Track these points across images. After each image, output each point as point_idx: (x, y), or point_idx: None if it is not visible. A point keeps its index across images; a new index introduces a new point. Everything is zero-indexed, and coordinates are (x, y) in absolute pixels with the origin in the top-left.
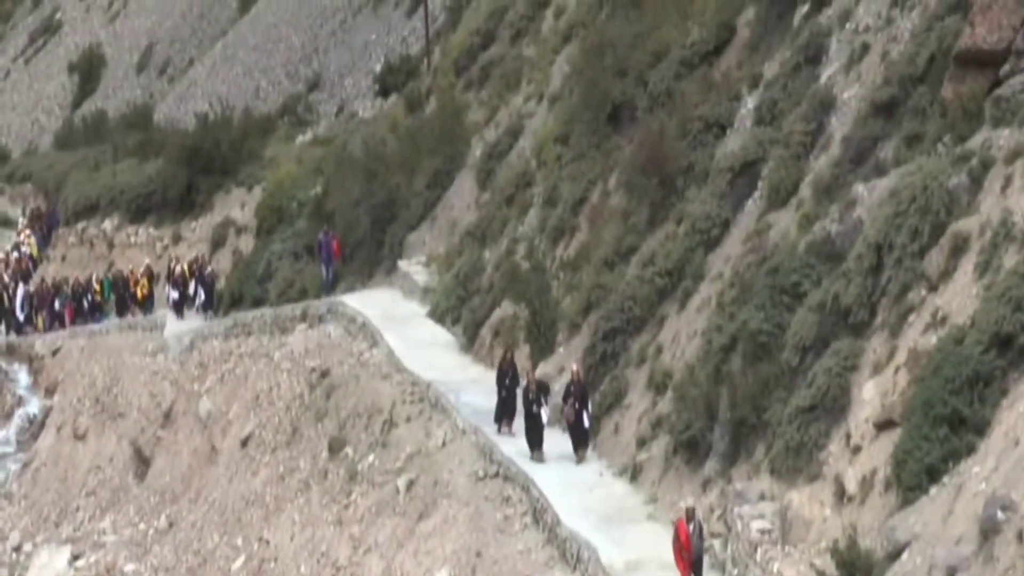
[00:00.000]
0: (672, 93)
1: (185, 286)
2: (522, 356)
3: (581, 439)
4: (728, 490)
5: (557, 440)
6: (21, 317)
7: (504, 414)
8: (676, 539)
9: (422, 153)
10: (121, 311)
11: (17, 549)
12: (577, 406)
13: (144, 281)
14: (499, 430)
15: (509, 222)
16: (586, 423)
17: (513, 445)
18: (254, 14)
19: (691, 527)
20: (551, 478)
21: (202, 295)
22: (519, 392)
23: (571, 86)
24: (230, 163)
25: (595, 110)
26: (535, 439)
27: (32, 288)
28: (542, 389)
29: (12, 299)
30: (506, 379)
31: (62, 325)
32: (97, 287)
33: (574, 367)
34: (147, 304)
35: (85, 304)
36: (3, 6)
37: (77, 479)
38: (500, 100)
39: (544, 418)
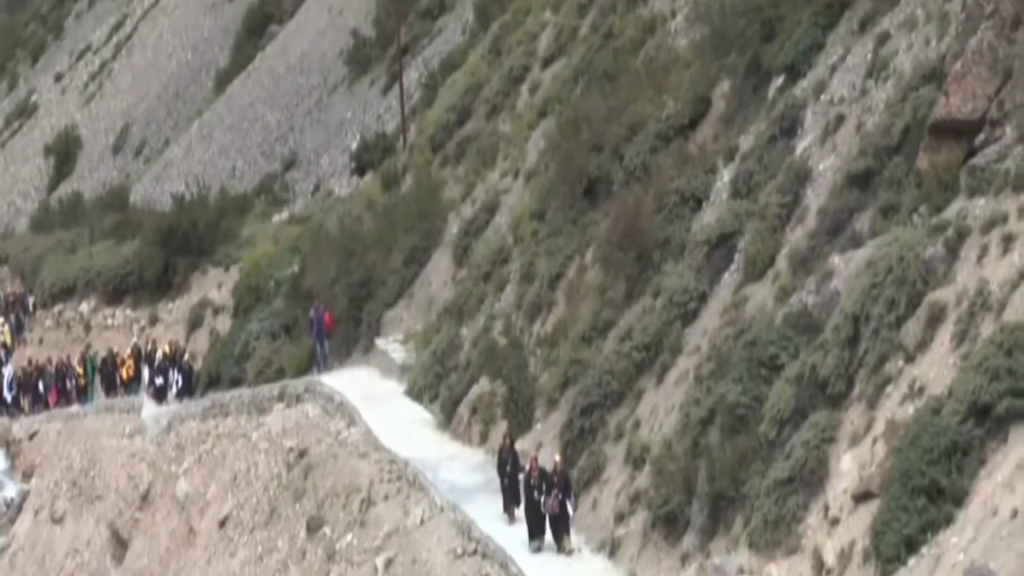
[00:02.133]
0: (648, 167)
1: (166, 372)
2: (499, 433)
3: (564, 528)
4: (707, 564)
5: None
6: (8, 398)
7: (513, 501)
8: None
9: (399, 230)
10: (108, 391)
11: None
12: (560, 496)
13: (130, 362)
14: (510, 519)
15: (486, 298)
16: (571, 512)
17: (518, 534)
18: (229, 93)
19: None
20: (529, 554)
21: (179, 382)
22: (521, 479)
23: (547, 161)
24: (207, 243)
25: (571, 185)
26: (536, 527)
27: (17, 371)
28: (544, 477)
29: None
30: (507, 466)
31: (46, 407)
32: (80, 369)
33: (556, 458)
34: (132, 385)
35: (68, 385)
36: None
37: (55, 563)
38: (476, 176)
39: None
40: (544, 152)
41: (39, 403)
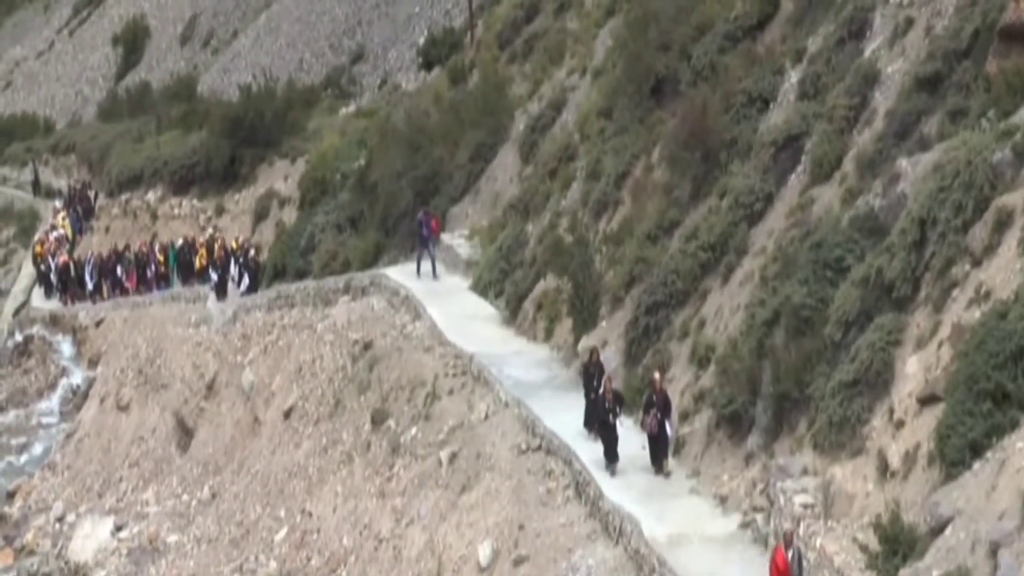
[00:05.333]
0: (715, 67)
1: (225, 267)
2: (564, 330)
3: (662, 450)
4: (771, 465)
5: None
6: (90, 285)
7: (595, 417)
8: (772, 564)
9: (465, 126)
10: (185, 280)
11: (60, 520)
12: (659, 416)
13: (202, 251)
14: (590, 434)
15: (552, 195)
16: (669, 433)
17: (597, 451)
18: None
19: (790, 553)
20: (595, 450)
21: (246, 280)
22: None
23: (614, 60)
24: (274, 135)
25: (638, 84)
26: (611, 450)
27: (101, 254)
28: (618, 399)
29: (81, 267)
30: (593, 380)
31: (124, 293)
32: (161, 257)
33: (656, 376)
34: (205, 275)
35: (148, 273)
36: None
37: (120, 450)
38: (543, 73)
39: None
40: (611, 50)
41: (118, 288)
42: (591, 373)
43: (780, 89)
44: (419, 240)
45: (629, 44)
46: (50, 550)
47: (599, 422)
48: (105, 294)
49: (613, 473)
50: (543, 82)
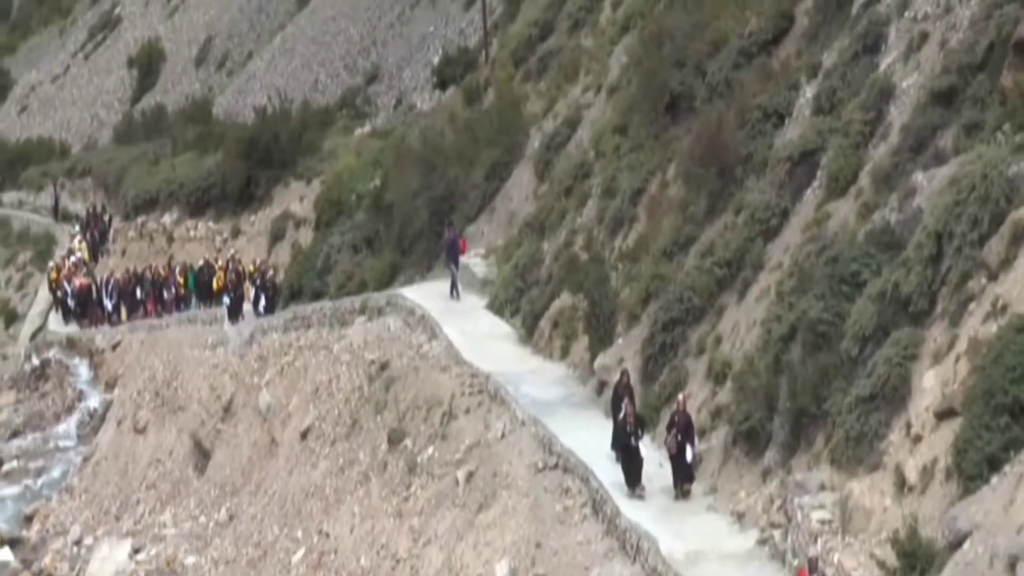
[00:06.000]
0: (730, 83)
1: (237, 290)
2: (581, 347)
3: (683, 473)
4: (788, 480)
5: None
6: (109, 306)
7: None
8: None
9: (480, 145)
10: (203, 301)
11: (78, 543)
12: (680, 437)
13: (221, 274)
14: (617, 458)
15: (567, 213)
16: (689, 456)
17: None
18: (312, 7)
19: None
20: (611, 470)
21: (263, 302)
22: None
23: (629, 76)
24: (289, 156)
25: (653, 100)
26: (633, 474)
27: (118, 276)
28: (640, 423)
29: (100, 289)
30: (621, 403)
31: (145, 314)
32: (181, 279)
33: (680, 396)
34: (222, 296)
35: (167, 294)
36: (63, 1)
37: (137, 472)
38: (558, 91)
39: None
40: (626, 67)
41: (137, 310)
42: (620, 395)
43: (795, 104)
44: (447, 259)
45: (644, 61)
46: (68, 573)
47: (621, 446)
48: (124, 316)
49: (636, 497)
50: (558, 100)
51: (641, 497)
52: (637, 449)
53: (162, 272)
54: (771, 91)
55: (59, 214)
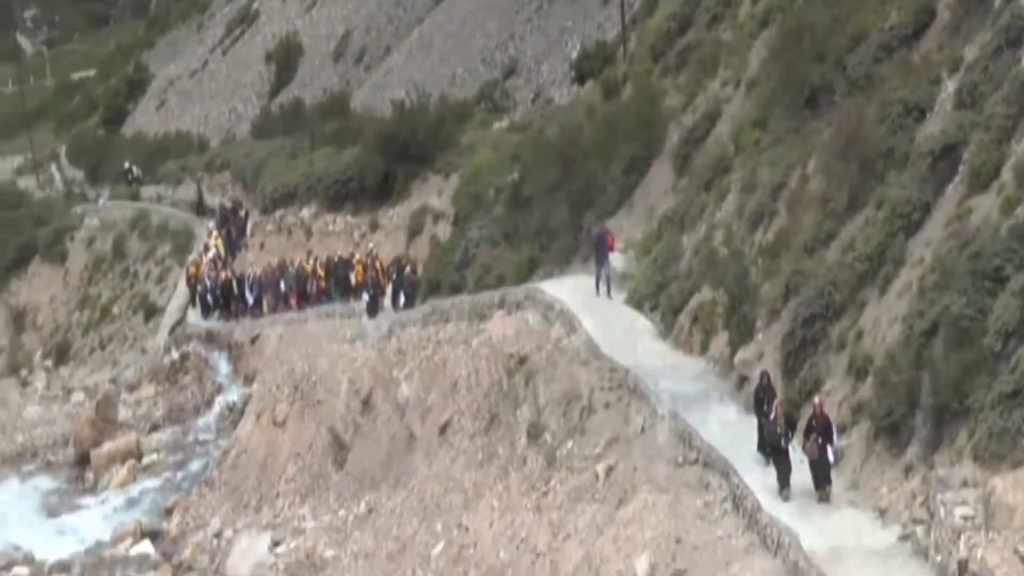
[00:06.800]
0: (871, 77)
1: (377, 286)
2: (720, 343)
3: (824, 476)
4: (930, 476)
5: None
6: (251, 299)
7: (767, 442)
8: None
9: (619, 139)
10: (343, 295)
11: (218, 535)
12: (820, 441)
13: (359, 268)
14: (766, 460)
15: (707, 207)
16: (831, 458)
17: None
18: (450, 2)
19: None
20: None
21: (402, 299)
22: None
23: (769, 71)
24: (427, 150)
25: (793, 94)
26: (784, 476)
27: (259, 271)
28: (791, 423)
29: (241, 282)
30: (763, 405)
31: (287, 307)
32: (322, 272)
33: (816, 400)
34: (360, 290)
35: (309, 288)
36: None
37: (276, 466)
38: (697, 85)
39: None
40: (766, 61)
41: (280, 303)
42: (761, 398)
43: (937, 98)
44: (596, 258)
45: (783, 55)
46: (208, 566)
47: (771, 447)
48: (265, 310)
49: (787, 498)
50: (697, 94)
51: (787, 499)
52: (787, 451)
53: (306, 266)
54: (912, 85)
55: (202, 209)
